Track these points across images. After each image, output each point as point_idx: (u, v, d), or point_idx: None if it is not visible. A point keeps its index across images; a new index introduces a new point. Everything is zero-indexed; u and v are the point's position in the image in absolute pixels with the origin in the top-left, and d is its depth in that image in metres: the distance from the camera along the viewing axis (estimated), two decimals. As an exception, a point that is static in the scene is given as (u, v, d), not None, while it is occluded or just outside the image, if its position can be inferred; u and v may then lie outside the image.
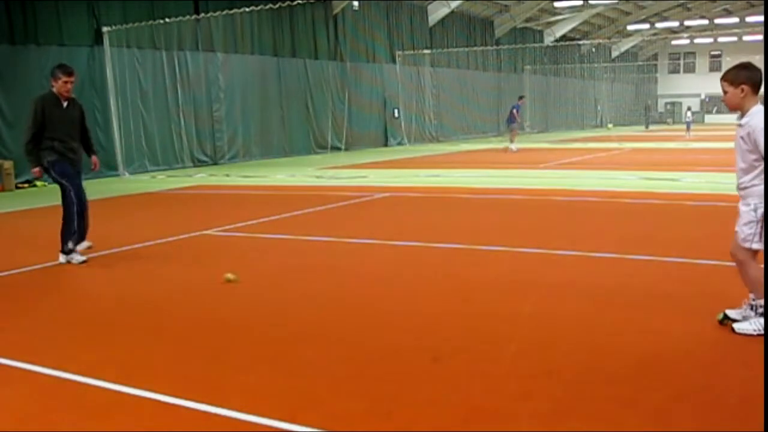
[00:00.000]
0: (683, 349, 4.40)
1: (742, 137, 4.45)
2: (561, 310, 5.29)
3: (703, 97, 58.85)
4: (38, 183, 16.75)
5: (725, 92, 4.53)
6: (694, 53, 59.67)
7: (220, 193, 14.29)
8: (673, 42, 56.31)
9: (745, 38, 51.06)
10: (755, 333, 4.50)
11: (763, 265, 4.51)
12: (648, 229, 8.64)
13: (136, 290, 6.37)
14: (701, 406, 3.59)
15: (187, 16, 19.66)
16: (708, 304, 5.36)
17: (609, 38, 48.25)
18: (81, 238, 7.65)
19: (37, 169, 7.47)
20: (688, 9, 46.27)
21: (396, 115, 30.56)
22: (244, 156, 23.01)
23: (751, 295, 4.60)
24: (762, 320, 4.52)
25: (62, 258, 7.52)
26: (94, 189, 15.50)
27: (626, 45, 52.85)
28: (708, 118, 57.36)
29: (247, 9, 19.91)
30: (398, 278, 6.50)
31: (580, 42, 42.56)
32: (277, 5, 19.51)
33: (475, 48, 34.71)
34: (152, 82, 20.04)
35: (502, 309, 5.40)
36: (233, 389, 3.92)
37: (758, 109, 4.43)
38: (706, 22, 45.99)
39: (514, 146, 25.06)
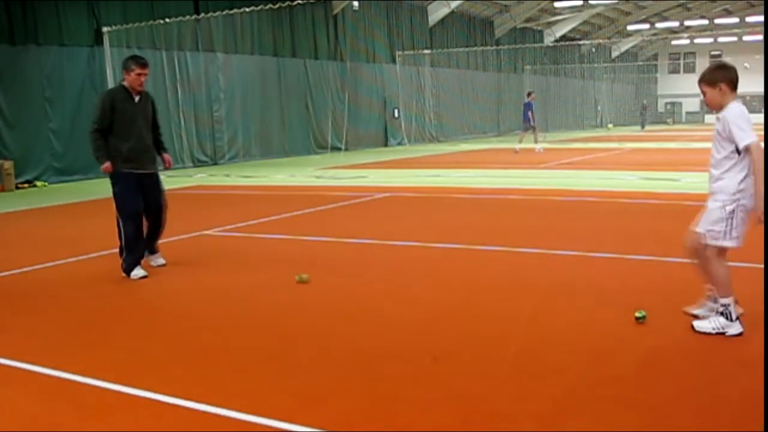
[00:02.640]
0: (683, 349, 4.41)
1: (718, 130, 4.63)
2: (561, 310, 5.29)
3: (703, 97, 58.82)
4: (38, 183, 16.77)
5: (704, 93, 4.71)
6: (694, 53, 59.65)
7: (220, 193, 14.29)
8: (673, 42, 56.30)
9: (745, 38, 51.06)
10: (714, 332, 4.56)
11: (725, 263, 4.62)
12: (648, 229, 8.63)
13: (136, 290, 6.37)
14: (701, 406, 3.59)
15: (187, 17, 19.65)
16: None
17: (609, 38, 48.25)
18: (143, 252, 7.05)
19: (108, 164, 6.72)
20: (688, 9, 46.26)
21: (396, 115, 30.56)
22: (244, 156, 23.00)
23: (715, 296, 4.65)
24: (722, 319, 4.57)
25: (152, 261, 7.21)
26: (94, 189, 15.51)
27: (626, 45, 52.84)
28: (708, 118, 57.34)
29: (247, 9, 19.90)
30: (398, 278, 6.50)
31: (580, 42, 42.55)
32: (277, 5, 19.50)
33: (475, 48, 34.70)
34: (152, 83, 19.95)
35: (502, 309, 5.40)
36: (233, 389, 3.92)
37: (735, 104, 4.59)
38: (706, 22, 45.97)
39: (539, 146, 23.82)
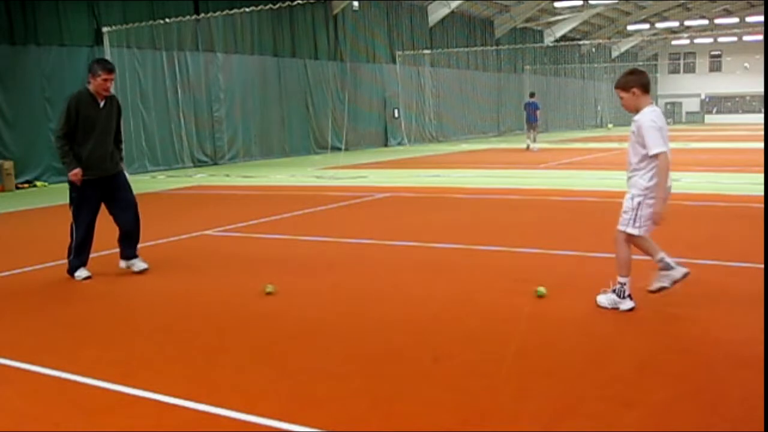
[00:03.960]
0: (683, 349, 4.41)
1: (633, 132, 5.06)
2: (561, 309, 5.29)
3: (703, 97, 58.86)
4: (38, 183, 16.77)
5: (621, 98, 5.13)
6: (694, 53, 59.68)
7: (220, 194, 14.29)
8: (673, 42, 56.31)
9: (745, 38, 51.07)
10: (609, 306, 5.15)
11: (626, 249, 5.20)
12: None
13: (136, 290, 6.37)
14: (701, 406, 3.59)
15: (187, 17, 19.65)
16: (708, 304, 5.36)
17: (609, 38, 48.24)
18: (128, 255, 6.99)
19: (78, 170, 6.55)
20: (688, 9, 46.26)
21: (396, 115, 30.56)
22: (244, 156, 23.01)
23: (619, 276, 5.17)
24: (613, 296, 5.16)
25: (122, 263, 7.04)
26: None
27: (626, 45, 52.85)
28: (708, 118, 57.37)
29: (247, 9, 19.90)
30: (398, 278, 6.50)
31: (580, 42, 42.55)
32: (277, 5, 19.50)
33: (475, 48, 34.70)
34: (152, 83, 20.04)
35: (502, 309, 5.40)
36: (233, 389, 3.93)
37: (650, 109, 5.04)
38: (706, 22, 45.97)
39: (536, 145, 24.88)
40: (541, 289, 5.61)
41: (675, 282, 5.14)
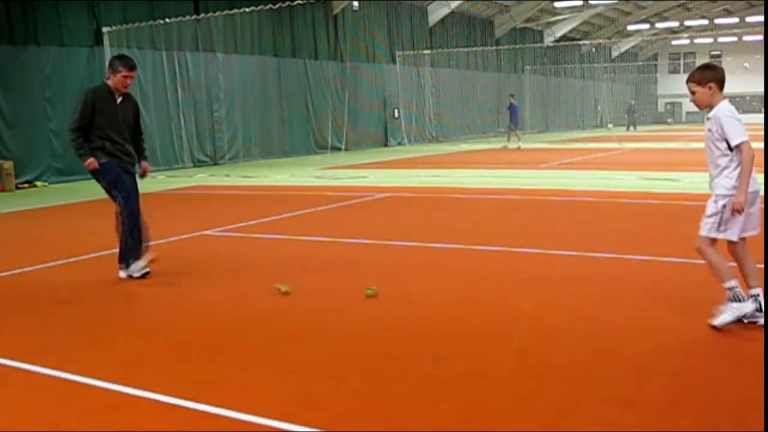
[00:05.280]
0: (683, 349, 4.41)
1: (711, 129, 4.73)
2: (561, 310, 5.29)
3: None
4: (38, 183, 16.77)
5: (693, 92, 4.81)
6: (694, 53, 59.65)
7: (220, 194, 14.29)
8: (673, 42, 56.31)
9: (745, 38, 51.05)
10: (735, 318, 4.63)
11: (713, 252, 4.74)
12: (648, 229, 8.63)
13: (136, 290, 6.37)
14: (701, 406, 3.59)
15: (187, 17, 19.65)
16: (708, 304, 5.36)
17: (609, 38, 48.24)
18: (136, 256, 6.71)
19: (92, 160, 6.39)
20: (688, 9, 46.26)
21: (396, 115, 30.57)
22: (244, 156, 23.01)
23: (722, 283, 4.73)
24: (734, 304, 4.64)
25: (122, 273, 6.70)
26: (94, 189, 15.51)
27: (626, 45, 52.85)
28: (708, 118, 57.29)
29: (247, 9, 19.90)
30: (398, 278, 6.50)
31: (580, 42, 42.54)
32: (277, 5, 19.50)
33: (475, 48, 34.70)
34: (152, 83, 20.03)
35: (502, 309, 5.40)
36: (233, 389, 3.93)
37: (724, 103, 4.72)
38: (706, 22, 45.98)
39: (512, 145, 26.16)
40: (371, 290, 5.74)
41: (741, 317, 4.64)
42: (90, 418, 3.62)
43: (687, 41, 54.49)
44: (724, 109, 4.68)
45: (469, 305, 5.55)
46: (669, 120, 57.35)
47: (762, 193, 4.81)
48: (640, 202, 11.06)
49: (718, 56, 58.04)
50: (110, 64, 6.55)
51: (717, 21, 46.09)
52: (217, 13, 19.92)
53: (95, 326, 5.30)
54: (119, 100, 6.57)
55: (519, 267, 6.90)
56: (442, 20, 33.33)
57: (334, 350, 4.56)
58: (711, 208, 4.73)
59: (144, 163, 6.89)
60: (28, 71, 16.95)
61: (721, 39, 51.46)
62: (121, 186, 6.52)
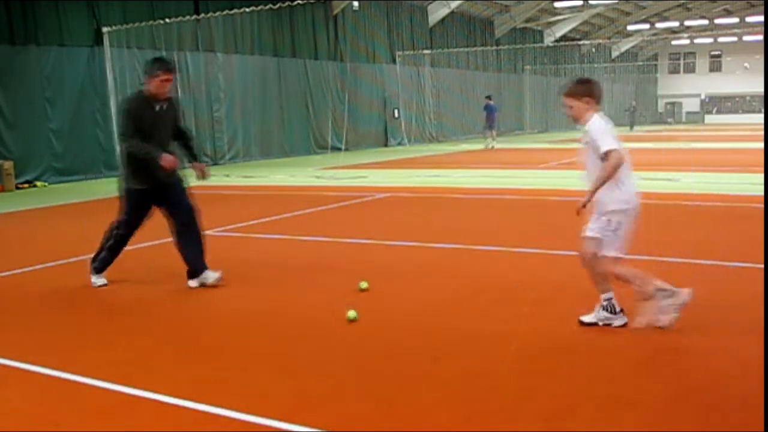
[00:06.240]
0: (683, 349, 4.41)
1: (587, 142, 4.69)
2: (561, 310, 5.29)
3: (703, 97, 58.85)
4: (38, 183, 16.77)
5: (570, 107, 4.80)
6: (694, 53, 59.65)
7: (220, 193, 14.28)
8: (673, 42, 56.29)
9: (745, 38, 51.05)
10: (600, 323, 4.77)
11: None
12: (647, 229, 8.61)
13: (136, 290, 6.37)
14: (701, 406, 3.59)
15: (187, 17, 19.66)
16: (709, 304, 5.36)
17: (609, 38, 48.24)
18: (199, 264, 6.34)
19: (170, 157, 5.94)
20: (688, 9, 46.25)
21: (396, 115, 30.57)
22: (244, 156, 23.00)
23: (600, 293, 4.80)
24: (606, 313, 4.78)
25: (193, 283, 6.31)
26: (94, 189, 15.51)
27: (626, 45, 52.84)
28: (708, 118, 57.36)
29: (247, 9, 19.90)
30: (398, 278, 6.50)
31: (580, 42, 42.53)
32: (277, 5, 19.51)
33: (475, 48, 34.70)
34: (152, 83, 20.01)
35: (502, 309, 5.40)
36: (233, 389, 3.93)
37: (596, 116, 4.71)
38: (706, 22, 45.96)
39: (493, 144, 27.09)
40: (363, 285, 5.82)
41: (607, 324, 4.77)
42: (90, 418, 3.62)
43: (687, 41, 54.49)
44: (595, 122, 4.67)
45: (469, 305, 5.55)
46: (669, 120, 57.33)
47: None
48: (640, 202, 11.04)
49: (718, 56, 58.05)
50: (146, 69, 6.01)
51: (717, 21, 46.07)
52: (217, 13, 19.93)
53: (95, 326, 5.30)
54: (158, 107, 6.04)
55: (519, 267, 6.90)
56: (442, 20, 33.32)
57: (334, 350, 4.56)
58: (603, 225, 4.68)
59: (196, 164, 6.46)
60: (28, 71, 16.94)
61: (721, 39, 51.45)
62: (133, 218, 6.27)
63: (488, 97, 28.92)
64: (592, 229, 4.76)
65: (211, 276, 6.25)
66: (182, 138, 6.49)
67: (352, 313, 5.08)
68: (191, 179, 6.49)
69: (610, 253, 4.72)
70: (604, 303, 4.81)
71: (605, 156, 4.55)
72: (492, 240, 8.16)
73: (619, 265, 4.77)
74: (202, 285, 6.23)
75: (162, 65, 6.00)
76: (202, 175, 6.45)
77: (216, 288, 6.25)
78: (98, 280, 6.40)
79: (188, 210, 6.40)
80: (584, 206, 4.70)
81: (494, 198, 12.24)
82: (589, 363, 4.20)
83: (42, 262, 7.55)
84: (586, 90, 4.80)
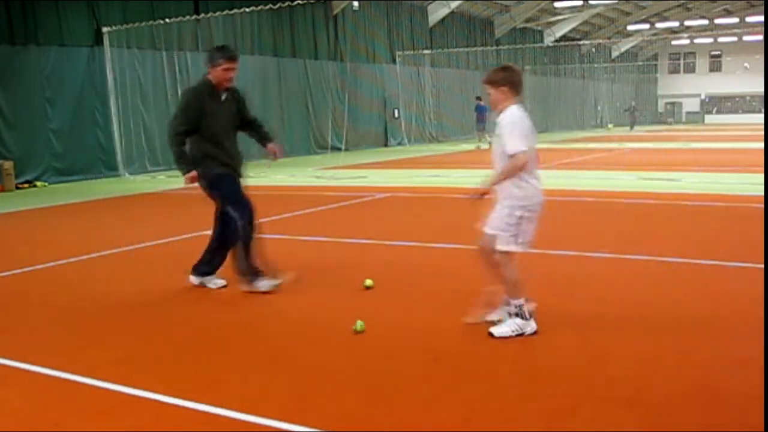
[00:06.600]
0: (683, 349, 4.41)
1: (497, 133, 4.65)
2: (560, 310, 5.29)
3: (703, 97, 58.86)
4: (38, 183, 16.77)
5: (489, 94, 4.69)
6: (694, 53, 59.66)
7: (220, 193, 14.27)
8: (673, 42, 56.30)
9: (745, 38, 51.05)
10: (514, 334, 4.60)
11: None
12: (647, 229, 8.63)
13: (136, 291, 6.37)
14: (701, 406, 3.59)
15: (187, 17, 19.65)
16: (708, 304, 5.37)
17: (609, 38, 48.23)
18: (213, 268, 6.23)
19: (193, 174, 5.83)
20: (688, 9, 46.25)
21: (396, 115, 30.57)
22: (244, 156, 22.94)
23: (509, 299, 4.70)
24: (522, 321, 4.62)
25: (194, 279, 6.22)
26: (95, 189, 15.52)
27: (626, 45, 52.84)
28: (708, 118, 57.36)
29: (247, 9, 19.90)
30: (398, 278, 6.50)
31: (580, 42, 42.54)
32: (277, 5, 19.51)
33: (475, 48, 34.70)
34: (152, 83, 20.03)
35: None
36: (233, 389, 3.93)
37: (514, 107, 4.59)
38: (706, 22, 45.96)
39: (484, 145, 26.89)
40: (368, 282, 5.74)
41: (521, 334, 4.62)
42: (90, 418, 3.62)
43: (687, 41, 54.49)
44: (509, 114, 4.56)
45: (469, 305, 5.54)
46: (669, 120, 57.33)
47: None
48: (640, 202, 11.06)
49: (718, 56, 58.05)
50: (209, 58, 5.83)
51: (717, 21, 46.07)
52: (217, 13, 19.92)
53: (95, 326, 5.30)
54: (223, 97, 5.91)
55: (519, 267, 6.88)
56: (442, 20, 33.32)
57: (334, 350, 4.57)
58: (505, 218, 4.61)
59: (270, 146, 6.35)
60: (28, 71, 16.94)
61: (721, 39, 51.46)
62: (240, 204, 5.97)
63: (478, 98, 28.68)
64: (491, 225, 4.70)
65: (219, 282, 6.22)
66: (253, 127, 6.36)
67: (360, 324, 4.85)
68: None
69: (506, 247, 4.65)
70: (515, 309, 4.67)
71: (510, 156, 4.52)
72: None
73: (510, 264, 4.68)
74: (202, 284, 6.23)
75: (224, 53, 5.80)
76: (275, 157, 6.35)
77: (215, 288, 6.25)
78: (261, 283, 5.98)
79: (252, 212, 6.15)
80: (481, 196, 4.63)
81: (494, 198, 12.21)
82: (589, 363, 4.20)
83: (42, 262, 7.55)
84: (504, 78, 4.62)
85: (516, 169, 4.52)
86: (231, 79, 5.85)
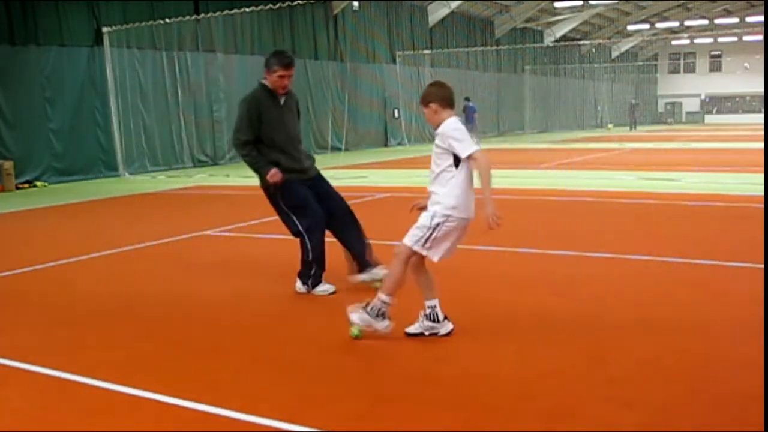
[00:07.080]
0: (683, 349, 4.40)
1: (438, 144, 4.66)
2: (561, 309, 5.29)
3: (703, 97, 58.88)
4: (38, 183, 16.77)
5: (424, 114, 4.76)
6: (694, 53, 59.68)
7: (220, 194, 14.28)
8: (673, 42, 56.31)
9: (745, 38, 51.06)
10: (427, 333, 4.70)
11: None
12: (647, 229, 8.63)
13: (136, 290, 6.37)
14: (701, 406, 3.59)
15: (188, 17, 19.66)
16: (708, 305, 5.36)
17: (609, 38, 48.23)
18: (365, 262, 6.09)
19: (276, 171, 5.65)
20: (688, 9, 46.27)
21: (396, 115, 30.57)
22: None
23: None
24: (431, 324, 4.70)
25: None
26: (95, 189, 15.52)
27: (626, 45, 52.85)
28: (708, 118, 57.37)
29: (247, 9, 19.91)
30: (398, 278, 6.49)
31: (580, 42, 42.53)
32: (277, 5, 19.51)
33: (475, 48, 34.71)
34: (152, 83, 20.04)
35: (502, 309, 5.40)
36: (233, 389, 3.92)
37: (451, 119, 4.64)
38: (706, 22, 45.98)
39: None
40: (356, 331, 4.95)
41: (433, 333, 4.69)
42: (90, 418, 3.62)
43: (687, 41, 54.50)
44: (449, 125, 4.61)
45: (469, 305, 5.55)
46: (669, 120, 57.33)
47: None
48: (640, 202, 11.06)
49: (718, 56, 58.07)
50: (266, 62, 5.77)
51: (717, 21, 46.09)
52: (217, 13, 19.93)
53: (95, 326, 5.30)
54: (282, 100, 5.80)
55: (518, 267, 6.90)
56: (442, 20, 33.33)
57: (334, 350, 4.57)
58: (424, 220, 4.68)
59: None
60: (28, 71, 16.94)
61: (721, 39, 51.47)
62: (309, 212, 5.82)
63: (467, 98, 28.49)
64: (417, 225, 4.74)
65: (379, 272, 5.92)
66: None
67: (356, 329, 4.75)
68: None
69: (411, 244, 4.70)
70: (428, 311, 4.72)
71: (469, 159, 4.58)
72: (491, 240, 8.13)
73: (402, 265, 4.71)
74: (372, 281, 5.88)
75: (280, 60, 5.71)
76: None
77: (216, 288, 6.25)
78: (323, 287, 5.97)
79: (342, 198, 6.19)
80: (499, 219, 4.73)
81: (494, 198, 12.21)
82: (589, 363, 4.20)
83: (42, 262, 7.55)
84: (430, 95, 4.70)
85: (489, 164, 4.67)
86: (286, 86, 5.79)
